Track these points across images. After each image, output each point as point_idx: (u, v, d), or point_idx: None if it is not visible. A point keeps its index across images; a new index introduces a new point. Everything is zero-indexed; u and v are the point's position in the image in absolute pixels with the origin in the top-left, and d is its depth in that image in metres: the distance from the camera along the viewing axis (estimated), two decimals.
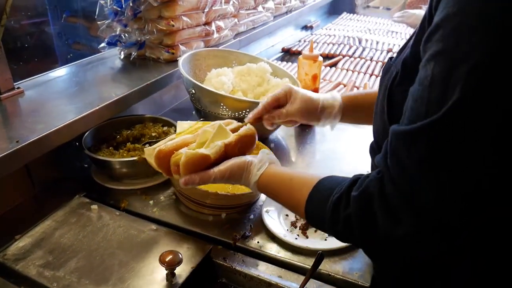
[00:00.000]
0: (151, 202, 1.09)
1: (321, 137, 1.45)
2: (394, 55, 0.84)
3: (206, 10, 1.57)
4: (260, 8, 2.02)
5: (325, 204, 0.65)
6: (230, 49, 1.79)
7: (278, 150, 1.35)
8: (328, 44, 2.37)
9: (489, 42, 0.47)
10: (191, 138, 0.83)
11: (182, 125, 0.95)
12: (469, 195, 0.52)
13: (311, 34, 2.60)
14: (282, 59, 2.25)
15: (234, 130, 0.83)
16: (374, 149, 0.84)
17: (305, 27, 2.82)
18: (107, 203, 1.09)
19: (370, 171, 0.93)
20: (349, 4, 3.29)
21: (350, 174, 0.67)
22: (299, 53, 2.29)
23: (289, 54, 2.32)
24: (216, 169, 0.77)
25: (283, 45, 2.43)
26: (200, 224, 1.02)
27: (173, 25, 1.44)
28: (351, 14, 3.15)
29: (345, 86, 1.81)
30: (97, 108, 1.14)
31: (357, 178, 0.64)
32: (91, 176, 1.18)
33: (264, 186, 0.78)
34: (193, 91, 1.27)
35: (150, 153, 0.84)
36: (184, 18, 1.49)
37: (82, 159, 1.24)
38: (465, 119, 0.48)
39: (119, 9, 1.39)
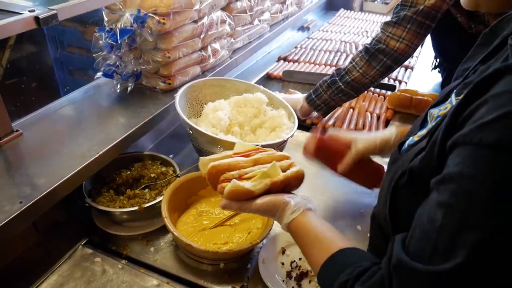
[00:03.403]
0: (151, 249, 1.13)
1: None
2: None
3: (202, 36, 1.57)
4: (256, 22, 1.99)
5: (334, 280, 0.68)
6: (227, 68, 1.79)
7: None
8: (324, 52, 2.36)
9: (501, 220, 0.48)
10: (244, 161, 0.89)
11: (241, 146, 0.97)
12: None
13: (308, 39, 2.58)
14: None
15: (284, 168, 0.89)
16: (376, 222, 0.86)
17: (302, 28, 2.79)
18: (109, 249, 1.14)
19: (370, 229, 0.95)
20: None
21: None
22: (296, 61, 2.29)
23: (286, 62, 2.30)
24: (253, 203, 0.85)
25: (280, 50, 2.42)
26: (199, 275, 1.06)
27: (169, 57, 1.44)
28: (348, 11, 3.11)
29: (340, 106, 1.80)
30: (97, 156, 1.15)
31: (368, 268, 0.65)
32: (92, 219, 1.22)
33: (292, 232, 0.84)
34: (190, 131, 1.29)
35: (204, 163, 0.90)
36: (180, 48, 1.48)
37: (83, 198, 1.27)
38: (463, 284, 0.50)
39: (114, 43, 1.38)
